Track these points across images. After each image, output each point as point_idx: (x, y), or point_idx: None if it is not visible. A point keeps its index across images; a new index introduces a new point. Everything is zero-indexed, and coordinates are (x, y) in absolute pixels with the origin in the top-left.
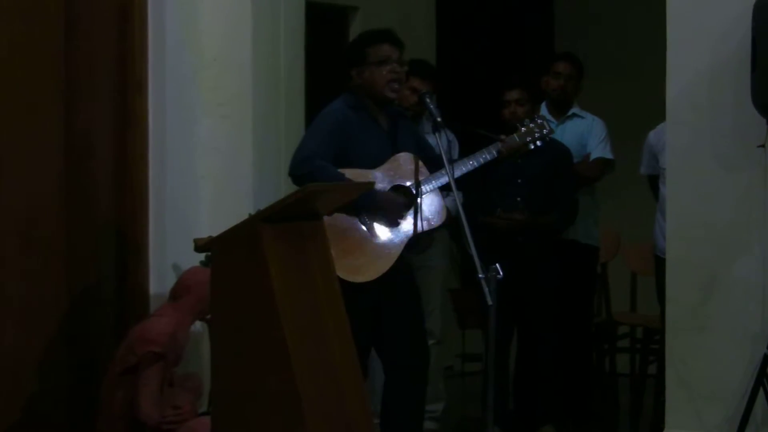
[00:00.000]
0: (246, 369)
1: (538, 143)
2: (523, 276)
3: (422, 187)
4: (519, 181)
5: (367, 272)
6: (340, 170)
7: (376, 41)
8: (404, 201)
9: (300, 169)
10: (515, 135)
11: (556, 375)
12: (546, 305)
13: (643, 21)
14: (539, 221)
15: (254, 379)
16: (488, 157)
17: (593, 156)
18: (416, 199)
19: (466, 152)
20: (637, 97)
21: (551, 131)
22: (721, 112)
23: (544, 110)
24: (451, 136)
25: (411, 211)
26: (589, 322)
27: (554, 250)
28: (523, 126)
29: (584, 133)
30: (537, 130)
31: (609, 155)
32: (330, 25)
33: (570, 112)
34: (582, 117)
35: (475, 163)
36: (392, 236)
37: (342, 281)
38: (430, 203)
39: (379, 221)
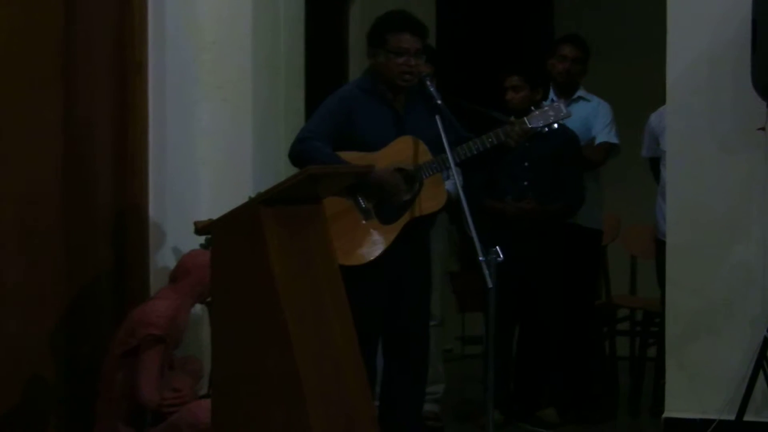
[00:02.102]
0: (246, 352)
1: (555, 126)
2: (529, 260)
3: (422, 172)
4: (526, 164)
5: (356, 256)
6: (340, 153)
7: (397, 29)
8: (402, 179)
9: (294, 149)
10: (525, 119)
11: (562, 359)
12: (552, 290)
13: (643, 2)
14: (547, 209)
15: (255, 362)
16: (494, 141)
17: (598, 140)
18: (416, 184)
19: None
20: (638, 79)
21: (568, 115)
22: (721, 95)
23: (550, 92)
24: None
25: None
26: (592, 306)
27: (559, 234)
28: (537, 109)
29: (590, 117)
30: (552, 113)
31: (614, 140)
32: (330, 10)
33: (576, 95)
34: (588, 100)
35: (480, 147)
36: (388, 221)
37: (357, 268)
38: (429, 186)
39: (376, 203)
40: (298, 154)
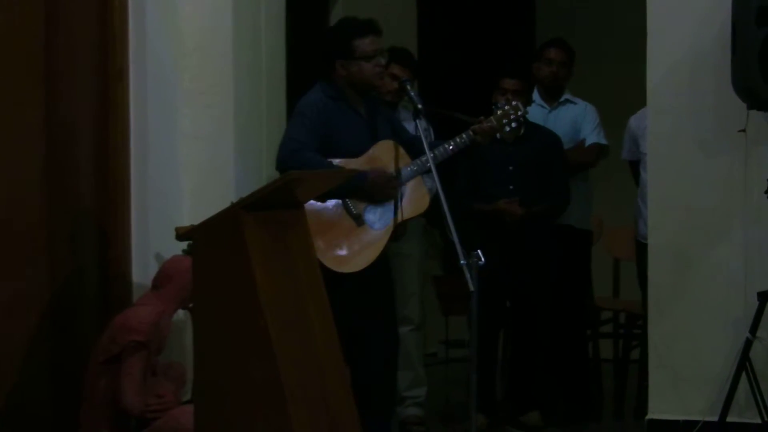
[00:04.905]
0: (229, 357)
1: (513, 125)
2: (518, 263)
3: (404, 174)
4: (510, 168)
5: (354, 263)
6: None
7: (362, 34)
8: (394, 176)
9: (290, 162)
10: (492, 117)
11: (551, 362)
12: (543, 292)
13: (626, 5)
14: (532, 211)
15: (237, 367)
16: (467, 141)
17: (588, 142)
18: (398, 187)
19: (442, 137)
20: (618, 82)
21: (525, 113)
22: (702, 97)
23: (536, 96)
24: (426, 124)
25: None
26: (581, 308)
27: (551, 236)
28: (498, 109)
29: (577, 119)
30: (512, 112)
31: (603, 141)
32: (311, 13)
33: (563, 98)
34: (574, 103)
35: (454, 148)
36: (377, 225)
37: (327, 271)
38: (413, 190)
39: (367, 206)
40: (293, 167)
